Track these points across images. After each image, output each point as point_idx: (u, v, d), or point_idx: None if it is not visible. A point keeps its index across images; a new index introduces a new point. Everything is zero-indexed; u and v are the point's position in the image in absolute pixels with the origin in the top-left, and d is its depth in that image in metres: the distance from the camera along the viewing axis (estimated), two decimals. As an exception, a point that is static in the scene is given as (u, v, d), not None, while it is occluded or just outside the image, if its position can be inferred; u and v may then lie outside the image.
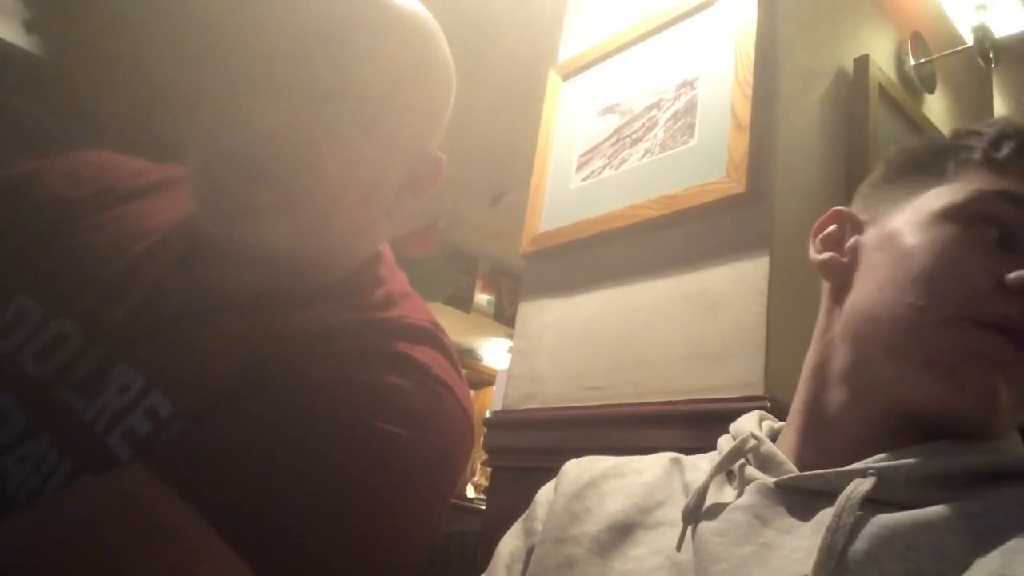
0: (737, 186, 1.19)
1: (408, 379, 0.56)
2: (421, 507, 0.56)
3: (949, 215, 0.52)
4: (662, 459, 0.61)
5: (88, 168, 0.72)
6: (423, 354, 0.59)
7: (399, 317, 0.63)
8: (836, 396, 0.54)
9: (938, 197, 0.54)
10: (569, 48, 1.72)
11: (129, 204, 0.69)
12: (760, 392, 1.05)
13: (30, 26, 2.97)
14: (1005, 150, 0.54)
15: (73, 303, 0.62)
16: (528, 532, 0.61)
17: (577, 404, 1.31)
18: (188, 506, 0.46)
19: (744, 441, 0.55)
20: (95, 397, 0.57)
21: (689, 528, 0.50)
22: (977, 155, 0.55)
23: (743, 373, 1.09)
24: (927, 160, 0.57)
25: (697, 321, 1.19)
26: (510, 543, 0.62)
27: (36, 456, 0.56)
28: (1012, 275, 0.47)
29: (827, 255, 0.59)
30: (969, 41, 1.65)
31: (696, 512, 0.50)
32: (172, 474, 0.47)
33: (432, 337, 0.62)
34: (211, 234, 0.62)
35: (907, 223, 0.54)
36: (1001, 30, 1.67)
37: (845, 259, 0.58)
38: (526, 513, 0.64)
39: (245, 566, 0.46)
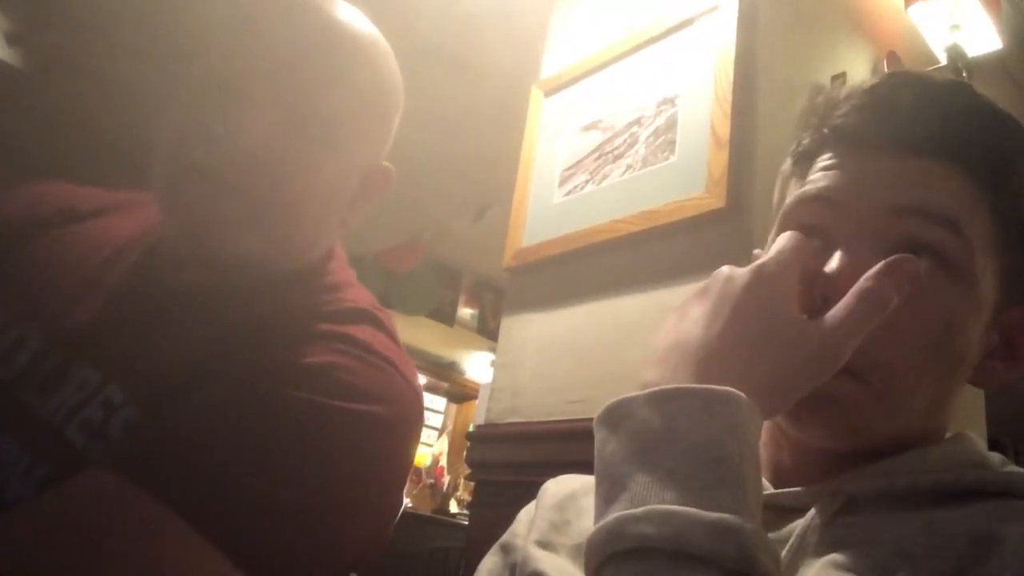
0: (717, 201, 1.20)
1: (351, 357, 0.59)
2: (379, 476, 0.58)
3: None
4: None
5: (47, 194, 0.76)
6: (364, 333, 0.62)
7: (340, 300, 0.66)
8: None
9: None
10: (552, 65, 1.73)
11: (89, 221, 0.73)
12: (741, 405, 1.06)
13: (11, 39, 2.95)
14: (800, 148, 0.55)
15: (33, 310, 0.64)
16: (507, 548, 0.61)
17: (560, 418, 1.31)
18: (153, 499, 0.47)
19: None
20: (54, 395, 0.59)
21: None
22: (789, 162, 0.56)
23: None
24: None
25: (678, 335, 1.20)
26: (489, 560, 0.62)
27: None
28: (818, 292, 0.46)
29: None
30: (943, 60, 1.68)
31: None
32: (133, 469, 0.49)
33: (372, 317, 0.65)
34: (177, 242, 0.65)
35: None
36: (973, 50, 1.70)
37: None
38: (507, 532, 0.64)
39: (215, 551, 0.47)
